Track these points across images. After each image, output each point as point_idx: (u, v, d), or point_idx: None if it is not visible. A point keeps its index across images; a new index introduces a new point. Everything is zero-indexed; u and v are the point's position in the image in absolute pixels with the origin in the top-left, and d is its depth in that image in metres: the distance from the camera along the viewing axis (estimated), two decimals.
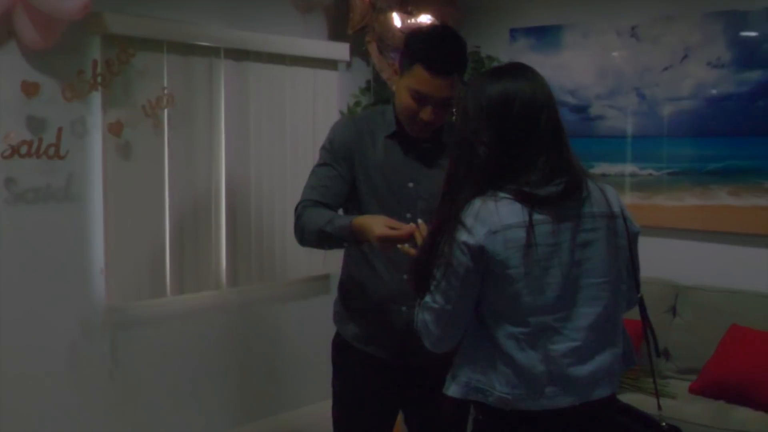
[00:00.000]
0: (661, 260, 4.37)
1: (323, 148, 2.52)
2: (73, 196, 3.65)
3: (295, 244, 4.52)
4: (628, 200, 4.48)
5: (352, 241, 2.28)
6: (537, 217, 1.82)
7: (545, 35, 4.83)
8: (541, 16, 4.86)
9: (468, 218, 1.83)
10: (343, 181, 2.45)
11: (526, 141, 1.85)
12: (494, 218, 1.81)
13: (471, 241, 1.81)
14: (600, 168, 4.60)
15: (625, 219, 1.97)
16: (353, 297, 2.54)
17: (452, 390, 1.94)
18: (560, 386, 1.85)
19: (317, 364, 4.79)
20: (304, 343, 4.72)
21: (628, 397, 3.18)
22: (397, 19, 4.55)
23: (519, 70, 1.93)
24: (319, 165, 2.50)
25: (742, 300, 3.98)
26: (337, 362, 2.65)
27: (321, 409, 4.76)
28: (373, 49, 4.64)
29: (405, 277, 2.31)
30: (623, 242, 1.95)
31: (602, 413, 1.93)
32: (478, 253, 1.81)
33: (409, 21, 4.55)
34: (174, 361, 4.09)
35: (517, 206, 1.83)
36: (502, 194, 1.84)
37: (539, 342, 1.84)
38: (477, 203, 1.84)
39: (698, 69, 4.27)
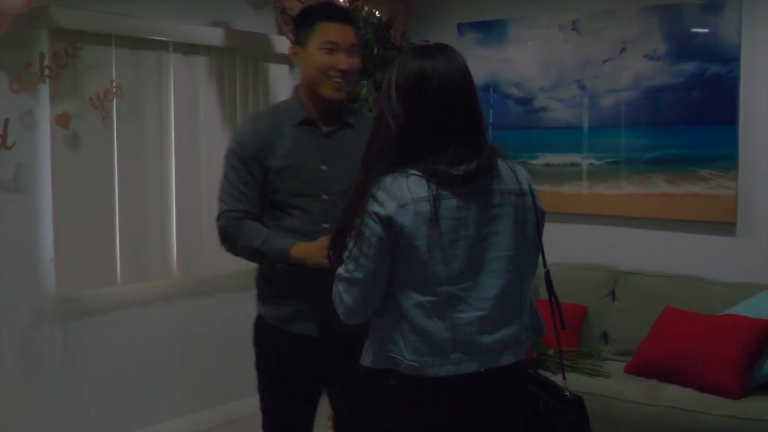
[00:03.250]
0: (601, 246, 4.53)
1: (231, 154, 2.59)
2: (22, 187, 3.71)
3: None
4: (570, 189, 4.63)
5: (287, 264, 2.43)
6: (443, 192, 1.91)
7: (491, 29, 4.95)
8: (488, 10, 4.98)
9: (379, 193, 1.92)
10: (257, 184, 2.55)
11: (439, 123, 1.93)
12: (404, 193, 1.90)
13: (381, 211, 1.90)
14: (544, 158, 4.73)
15: (534, 197, 2.06)
16: (277, 276, 2.60)
17: (366, 360, 2.04)
18: (465, 352, 1.94)
19: None
20: None
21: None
22: None
23: (439, 51, 1.99)
24: (230, 170, 2.58)
25: (676, 283, 4.14)
26: (259, 343, 2.73)
27: None
28: (277, 17, 4.71)
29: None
30: (531, 219, 2.03)
31: (508, 380, 2.03)
32: (388, 222, 1.90)
33: None
34: (125, 350, 4.15)
35: (425, 182, 1.92)
36: (411, 171, 1.93)
37: (446, 311, 1.93)
38: (388, 179, 1.93)
39: (636, 61, 4.42)
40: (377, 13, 4.87)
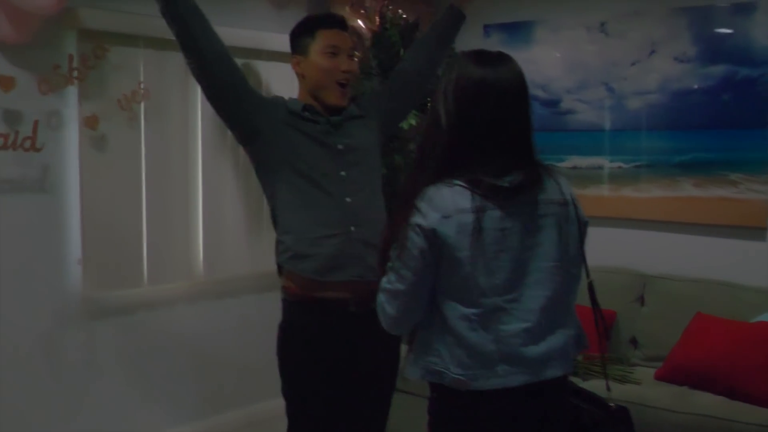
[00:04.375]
0: (629, 251, 4.48)
1: None
2: (49, 188, 3.70)
3: (271, 236, 4.63)
4: (597, 192, 4.59)
5: None
6: (487, 203, 1.89)
7: (518, 31, 4.92)
8: (514, 12, 4.94)
9: (422, 204, 1.91)
10: (249, 89, 2.78)
11: (491, 133, 1.92)
12: (447, 203, 1.89)
13: (424, 223, 1.89)
14: (570, 161, 4.69)
15: (575, 207, 2.04)
16: (301, 226, 2.68)
17: (410, 372, 2.02)
18: (512, 365, 1.91)
19: None
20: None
21: (594, 384, 3.24)
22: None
23: (502, 61, 1.99)
24: None
25: (706, 288, 4.08)
26: (286, 337, 2.81)
27: None
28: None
29: (348, 200, 2.63)
30: (574, 228, 2.01)
31: (555, 393, 2.00)
32: (431, 234, 1.88)
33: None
34: (150, 351, 4.15)
35: (469, 193, 1.90)
36: (456, 181, 1.91)
37: (490, 323, 1.91)
38: (431, 190, 1.92)
39: (665, 64, 4.37)
40: (403, 14, 4.85)
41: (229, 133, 4.30)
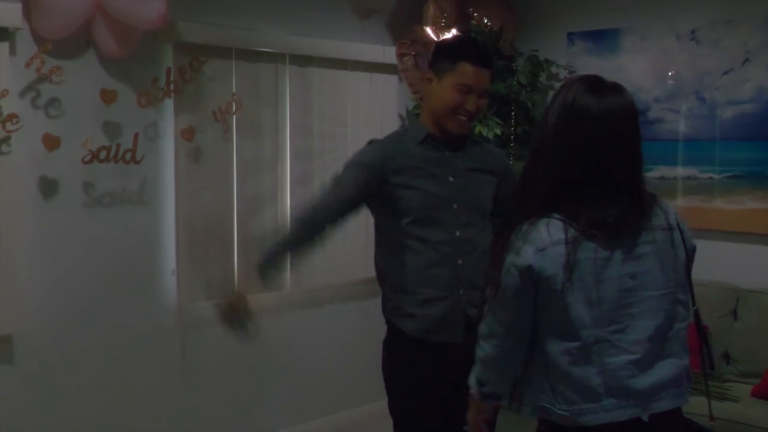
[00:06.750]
0: (721, 264, 4.37)
1: (347, 163, 2.71)
2: (147, 200, 3.78)
3: (354, 245, 4.66)
4: (686, 203, 4.49)
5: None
6: (581, 235, 1.83)
7: (603, 39, 4.85)
8: (599, 19, 4.88)
9: (517, 240, 1.86)
10: (357, 186, 2.62)
11: (588, 162, 1.85)
12: (542, 236, 1.84)
13: (519, 261, 1.84)
14: (659, 171, 4.61)
15: (681, 232, 1.95)
16: (410, 286, 2.64)
17: (524, 410, 1.97)
18: (618, 398, 1.85)
19: (377, 363, 4.87)
20: (363, 342, 4.77)
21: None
22: (431, 34, 4.65)
23: (608, 91, 1.90)
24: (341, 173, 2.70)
25: None
26: (393, 360, 2.75)
27: (380, 407, 4.85)
28: (408, 61, 4.72)
29: (460, 262, 2.58)
30: (682, 254, 1.93)
31: (667, 428, 1.91)
32: (527, 272, 1.83)
33: (441, 35, 4.66)
34: (240, 360, 4.20)
35: (563, 224, 1.85)
36: (555, 215, 1.86)
37: (594, 355, 1.84)
38: (525, 225, 1.87)
39: (760, 72, 4.27)
40: (488, 22, 4.82)
41: (316, 144, 4.38)
